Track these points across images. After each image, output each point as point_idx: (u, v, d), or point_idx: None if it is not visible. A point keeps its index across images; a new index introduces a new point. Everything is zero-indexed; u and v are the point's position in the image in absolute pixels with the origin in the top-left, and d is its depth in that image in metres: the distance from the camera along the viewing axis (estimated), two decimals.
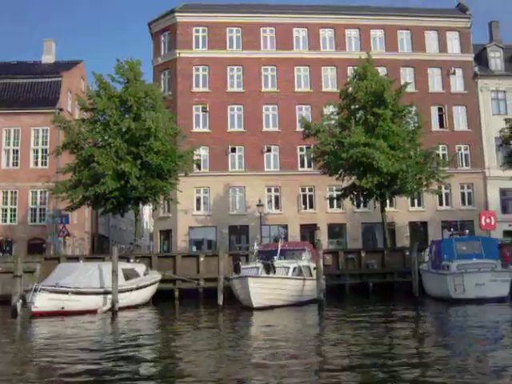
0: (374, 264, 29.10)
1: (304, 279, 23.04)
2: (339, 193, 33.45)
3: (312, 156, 33.58)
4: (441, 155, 42.47)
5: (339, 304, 24.20)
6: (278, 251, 24.24)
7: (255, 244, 26.12)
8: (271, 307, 21.03)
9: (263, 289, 20.91)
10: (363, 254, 29.71)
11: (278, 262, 22.79)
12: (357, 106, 31.91)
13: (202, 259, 29.05)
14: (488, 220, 32.32)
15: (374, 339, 14.14)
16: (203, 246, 40.61)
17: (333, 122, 32.57)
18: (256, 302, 20.93)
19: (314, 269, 23.30)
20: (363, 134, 29.35)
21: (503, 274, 22.43)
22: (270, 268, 21.59)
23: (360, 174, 30.01)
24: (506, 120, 35.76)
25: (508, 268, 23.12)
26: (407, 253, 28.71)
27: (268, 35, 43.63)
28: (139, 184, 29.01)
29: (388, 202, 39.33)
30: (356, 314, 20.40)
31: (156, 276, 26.82)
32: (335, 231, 41.49)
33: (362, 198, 32.40)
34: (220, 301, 23.01)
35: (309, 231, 40.38)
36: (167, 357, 12.78)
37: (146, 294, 25.49)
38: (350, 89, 32.39)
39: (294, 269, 23.02)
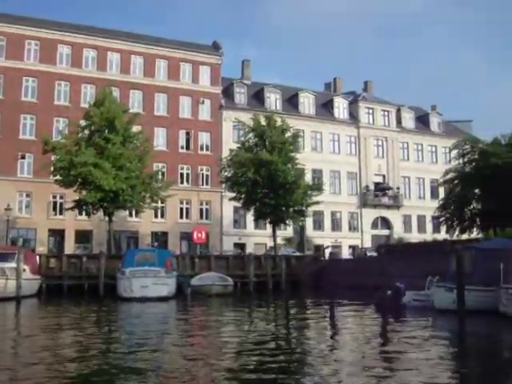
0: (92, 268, 33.09)
1: (7, 279, 26.63)
2: (73, 204, 36.96)
3: (50, 169, 36.71)
4: (185, 174, 48.67)
5: (50, 301, 28.25)
6: None
7: None
8: None
9: None
10: (84, 259, 33.70)
11: None
12: (95, 128, 35.84)
13: None
14: (200, 234, 38.28)
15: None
16: None
17: (71, 140, 36.11)
18: None
19: (24, 270, 27.16)
20: (93, 155, 33.49)
21: (163, 279, 28.27)
22: None
23: (90, 189, 34.04)
24: (230, 150, 42.04)
25: (170, 274, 28.93)
26: None
27: (32, 48, 45.94)
28: None
29: (134, 212, 44.21)
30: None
31: None
32: (82, 237, 44.99)
33: (91, 209, 36.09)
34: None
35: (57, 236, 44.16)
36: None
37: None
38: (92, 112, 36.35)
39: None
